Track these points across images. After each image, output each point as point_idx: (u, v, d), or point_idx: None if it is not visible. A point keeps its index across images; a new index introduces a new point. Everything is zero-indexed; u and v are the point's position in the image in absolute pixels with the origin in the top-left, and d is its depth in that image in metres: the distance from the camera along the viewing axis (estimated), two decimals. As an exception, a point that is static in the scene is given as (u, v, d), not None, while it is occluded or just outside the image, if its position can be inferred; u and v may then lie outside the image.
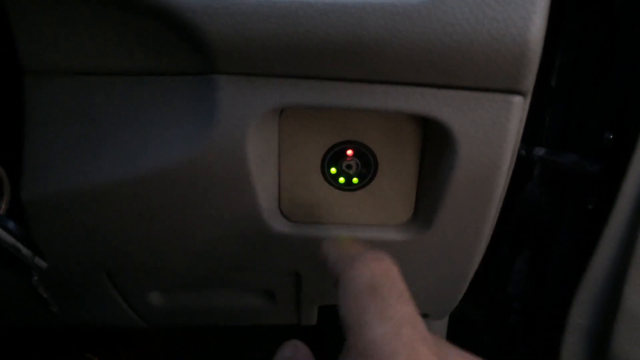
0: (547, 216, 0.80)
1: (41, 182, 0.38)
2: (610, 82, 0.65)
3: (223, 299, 0.54)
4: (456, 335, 0.88)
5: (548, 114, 0.78)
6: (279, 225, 0.42)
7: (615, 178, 0.62)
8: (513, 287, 0.91)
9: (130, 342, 0.99)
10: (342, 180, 0.41)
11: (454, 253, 0.44)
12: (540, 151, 0.73)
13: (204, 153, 0.37)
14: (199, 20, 0.33)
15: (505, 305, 0.91)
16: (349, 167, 0.41)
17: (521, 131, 0.37)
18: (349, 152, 0.40)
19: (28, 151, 0.38)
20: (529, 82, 0.33)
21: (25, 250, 0.36)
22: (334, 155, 0.40)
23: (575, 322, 0.70)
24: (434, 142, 0.38)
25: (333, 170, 0.41)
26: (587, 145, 0.68)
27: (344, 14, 0.32)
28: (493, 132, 0.35)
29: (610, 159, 0.64)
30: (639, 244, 0.61)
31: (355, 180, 0.41)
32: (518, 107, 0.34)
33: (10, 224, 0.35)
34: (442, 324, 0.82)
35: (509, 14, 0.31)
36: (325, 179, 0.41)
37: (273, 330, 0.69)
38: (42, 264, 0.38)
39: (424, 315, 0.59)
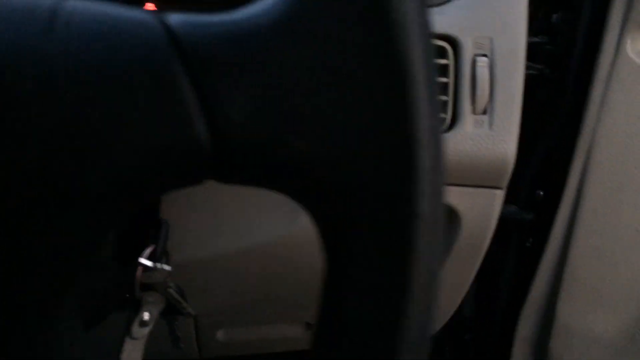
0: (494, 251, 1.01)
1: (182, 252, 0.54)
2: (539, 153, 0.88)
3: (274, 331, 0.71)
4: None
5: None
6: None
7: (546, 224, 0.84)
8: (466, 310, 1.11)
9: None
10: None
11: (451, 290, 0.64)
12: (488, 203, 0.95)
13: (292, 236, 0.55)
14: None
15: (462, 324, 1.10)
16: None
17: (501, 207, 0.58)
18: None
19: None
20: (506, 181, 0.54)
21: (184, 303, 0.52)
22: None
23: (521, 334, 0.91)
24: (446, 218, 0.58)
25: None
26: (523, 198, 0.90)
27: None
28: (484, 212, 0.55)
29: (541, 210, 0.86)
30: (566, 271, 0.83)
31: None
32: (499, 196, 0.55)
33: (174, 285, 0.51)
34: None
35: (496, 145, 0.51)
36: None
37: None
38: (193, 311, 0.54)
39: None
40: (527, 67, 0.92)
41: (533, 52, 0.91)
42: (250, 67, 0.20)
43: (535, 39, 0.90)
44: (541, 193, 0.87)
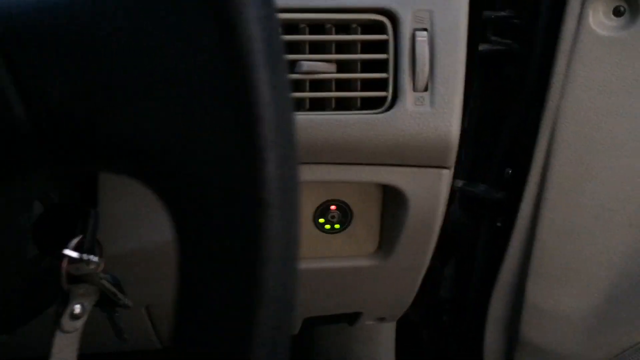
0: (467, 231, 1.00)
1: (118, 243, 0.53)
2: (506, 129, 0.86)
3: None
4: (401, 333, 1.07)
5: (463, 151, 0.98)
6: (284, 262, 0.59)
7: (514, 203, 0.83)
8: (444, 292, 1.10)
9: None
10: (328, 227, 0.58)
11: (406, 272, 0.62)
12: (459, 183, 0.94)
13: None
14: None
15: (439, 307, 1.10)
16: (332, 217, 0.58)
17: (449, 188, 0.56)
18: (333, 207, 0.57)
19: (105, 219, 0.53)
20: (452, 160, 0.52)
21: (120, 295, 0.50)
22: (322, 210, 0.58)
23: (493, 315, 0.90)
24: (392, 199, 0.56)
25: (321, 220, 0.58)
26: (493, 177, 0.89)
27: (334, 124, 0.50)
28: (431, 192, 0.54)
29: (510, 188, 0.84)
30: (534, 251, 0.82)
31: (337, 226, 0.58)
32: (446, 176, 0.53)
33: (109, 277, 0.49)
34: (392, 325, 1.00)
35: (438, 123, 0.49)
36: (316, 226, 0.58)
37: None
38: (130, 303, 0.52)
39: (381, 319, 0.77)
40: (495, 43, 0.90)
41: (501, 27, 0.89)
42: (67, 38, 0.18)
43: (502, 13, 0.88)
44: (510, 171, 0.86)
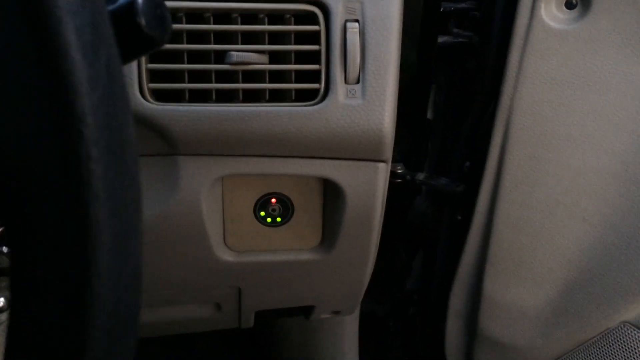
0: (432, 225, 1.00)
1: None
2: (467, 122, 0.86)
3: (181, 312, 0.69)
4: (367, 327, 1.07)
5: (429, 144, 0.98)
6: (225, 255, 0.59)
7: (473, 196, 0.83)
8: (411, 284, 1.10)
9: None
10: (269, 220, 0.58)
11: (352, 265, 0.62)
12: (421, 176, 0.93)
13: (171, 210, 0.53)
14: (167, 123, 0.48)
15: (406, 299, 1.10)
16: (274, 210, 0.57)
17: (387, 182, 0.56)
18: (273, 200, 0.57)
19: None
20: (387, 154, 0.52)
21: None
22: (263, 203, 0.57)
23: (453, 308, 0.90)
24: (331, 192, 0.56)
25: (262, 213, 0.58)
26: (454, 171, 0.88)
27: (266, 117, 0.49)
28: (368, 186, 0.53)
29: (469, 182, 0.84)
30: (491, 244, 0.82)
31: (278, 219, 0.58)
32: (383, 170, 0.53)
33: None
34: (354, 319, 1.00)
35: (369, 116, 0.49)
36: (257, 219, 0.58)
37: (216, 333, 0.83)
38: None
39: (337, 312, 0.77)
40: (456, 35, 0.89)
41: (462, 19, 0.88)
42: None
43: (463, 5, 0.87)
44: (468, 164, 0.86)
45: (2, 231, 0.47)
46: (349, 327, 1.00)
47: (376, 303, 1.11)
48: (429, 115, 0.98)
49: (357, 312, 0.98)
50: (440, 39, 0.87)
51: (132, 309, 0.21)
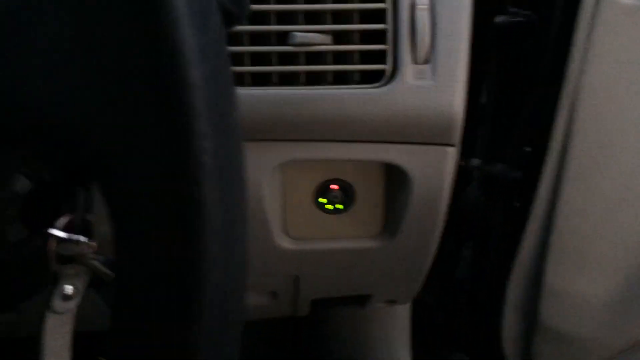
0: (484, 212, 0.97)
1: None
2: (525, 107, 0.83)
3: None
4: (417, 316, 1.05)
5: (481, 130, 0.95)
6: (285, 243, 0.57)
7: (532, 183, 0.79)
8: (461, 273, 1.08)
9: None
10: (330, 207, 0.56)
11: (414, 254, 0.60)
12: (475, 162, 0.90)
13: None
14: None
15: (456, 289, 1.07)
16: (334, 197, 0.56)
17: (455, 166, 0.53)
18: (334, 186, 0.55)
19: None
20: (457, 137, 0.49)
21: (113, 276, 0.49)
22: (324, 189, 0.56)
23: (510, 298, 0.87)
24: (395, 178, 0.54)
25: (323, 200, 0.56)
26: (511, 156, 0.85)
27: (330, 100, 0.47)
28: (435, 171, 0.51)
29: (528, 168, 0.81)
30: (552, 233, 0.79)
31: (339, 206, 0.56)
32: (451, 154, 0.51)
33: (101, 258, 0.48)
34: (406, 307, 0.98)
35: (439, 97, 0.47)
36: (318, 206, 0.56)
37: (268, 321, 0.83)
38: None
39: (393, 301, 0.76)
40: (514, 14, 0.86)
41: (520, -3, 0.85)
42: None
43: (521, -18, 0.84)
44: (528, 150, 0.82)
45: (70, 219, 0.46)
46: (401, 316, 0.99)
47: (426, 291, 1.09)
48: (483, 99, 0.94)
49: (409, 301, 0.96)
50: (497, 19, 0.83)
51: (239, 295, 0.20)
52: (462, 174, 0.94)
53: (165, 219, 0.18)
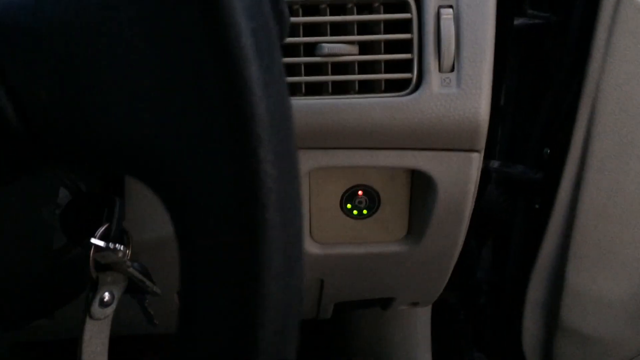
0: (505, 213, 0.97)
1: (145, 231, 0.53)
2: (544, 107, 0.83)
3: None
4: (438, 316, 1.06)
5: (500, 130, 0.95)
6: (311, 247, 0.58)
7: (553, 184, 0.80)
8: (481, 273, 1.08)
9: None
10: (355, 212, 0.57)
11: (438, 258, 0.61)
12: (495, 164, 0.91)
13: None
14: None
15: (476, 288, 1.08)
16: (360, 203, 0.57)
17: (479, 172, 0.54)
18: (360, 192, 0.56)
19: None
20: (482, 143, 0.50)
21: (148, 282, 0.50)
22: (350, 195, 0.57)
23: (531, 298, 0.88)
24: (420, 184, 0.55)
25: (349, 205, 0.57)
26: (531, 158, 0.86)
27: (358, 109, 0.48)
28: (460, 177, 0.52)
29: (549, 169, 0.81)
30: (574, 233, 0.79)
31: (365, 211, 0.57)
32: (476, 160, 0.51)
33: (136, 265, 0.50)
34: (427, 309, 0.99)
35: (465, 105, 0.48)
36: (344, 212, 0.57)
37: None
38: (159, 290, 0.53)
39: (415, 304, 0.76)
40: (532, 16, 0.86)
41: (539, -1, 0.85)
42: (49, 33, 0.18)
43: (540, -16, 0.84)
44: (548, 151, 0.83)
45: (107, 228, 0.48)
46: (422, 317, 0.99)
47: (447, 291, 1.10)
48: (501, 100, 0.95)
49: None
50: (516, 21, 0.84)
51: (296, 313, 0.21)
52: (482, 175, 0.94)
53: (231, 240, 0.19)
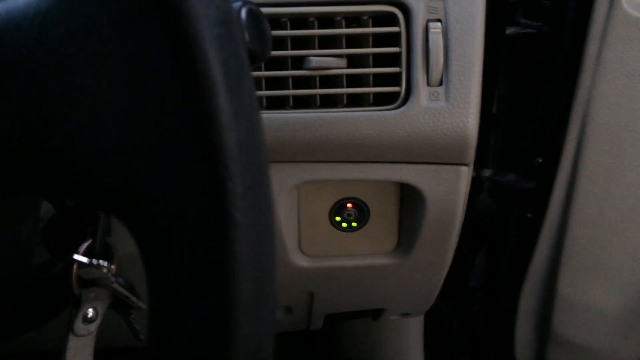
0: (497, 222, 0.97)
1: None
2: (536, 116, 0.83)
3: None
4: (431, 325, 1.05)
5: (492, 138, 0.95)
6: (300, 260, 0.58)
7: (545, 193, 0.80)
8: (474, 281, 1.08)
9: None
10: (344, 225, 0.57)
11: (428, 270, 0.60)
12: (487, 172, 0.91)
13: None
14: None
15: (469, 297, 1.07)
16: (349, 215, 0.56)
17: (469, 185, 0.54)
18: (349, 205, 0.56)
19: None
20: (470, 157, 0.50)
21: (133, 297, 0.50)
22: (338, 208, 0.56)
23: (523, 308, 0.87)
24: (409, 197, 0.54)
25: (338, 218, 0.57)
26: (523, 167, 0.85)
27: (346, 122, 0.48)
28: (449, 190, 0.51)
29: (541, 178, 0.81)
30: (566, 243, 0.79)
31: (354, 224, 0.57)
32: (465, 173, 0.51)
33: (120, 280, 0.49)
34: (419, 318, 0.98)
35: (453, 119, 0.47)
36: (332, 224, 0.57)
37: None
38: (144, 305, 0.52)
39: (406, 314, 0.76)
40: (524, 26, 0.86)
41: (531, 9, 0.85)
42: (14, 60, 0.17)
43: (531, -6, 0.84)
44: (540, 160, 0.82)
45: (90, 244, 0.47)
46: (414, 326, 0.99)
47: (440, 300, 1.09)
48: (494, 108, 0.95)
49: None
50: (508, 30, 0.84)
51: (269, 345, 0.20)
52: (474, 184, 0.94)
53: (200, 274, 0.19)
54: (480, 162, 0.95)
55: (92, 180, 0.19)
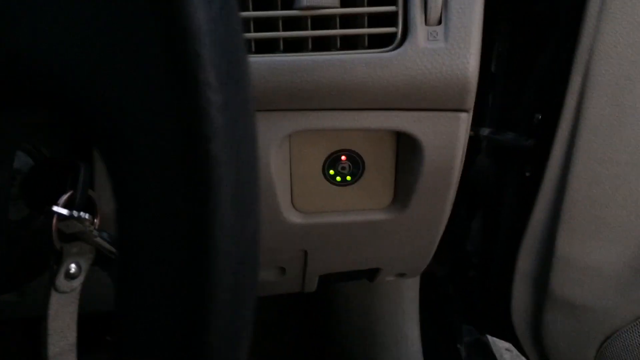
0: (495, 182, 0.95)
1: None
2: (536, 72, 0.80)
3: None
4: (426, 288, 1.04)
5: (490, 97, 0.93)
6: (293, 217, 0.56)
7: (544, 150, 0.77)
8: (471, 245, 1.07)
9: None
10: (338, 179, 0.55)
11: (425, 226, 0.58)
12: (485, 131, 0.88)
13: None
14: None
15: (465, 261, 1.06)
16: (343, 168, 0.54)
17: (468, 133, 0.51)
18: (343, 157, 0.54)
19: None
20: (470, 102, 0.47)
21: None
22: (332, 161, 0.54)
23: (521, 269, 0.86)
24: (406, 147, 0.52)
25: (332, 172, 0.54)
26: (522, 124, 0.83)
27: (340, 66, 0.45)
28: (448, 139, 0.49)
29: (540, 135, 0.79)
30: (565, 201, 0.77)
31: (348, 178, 0.55)
32: (464, 120, 0.48)
33: (104, 234, 0.47)
34: (415, 280, 0.97)
35: (453, 60, 0.44)
36: (326, 178, 0.55)
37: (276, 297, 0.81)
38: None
39: (402, 275, 0.74)
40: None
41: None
42: None
43: (531, -57, 0.81)
44: (539, 117, 0.80)
45: (70, 196, 0.45)
46: (410, 289, 0.98)
47: (436, 263, 1.08)
48: (492, 67, 0.92)
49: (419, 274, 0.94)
50: (506, -18, 0.81)
51: (252, 272, 0.18)
52: (472, 144, 0.92)
53: (173, 178, 0.17)
54: (478, 121, 0.93)
55: (58, 79, 0.16)
